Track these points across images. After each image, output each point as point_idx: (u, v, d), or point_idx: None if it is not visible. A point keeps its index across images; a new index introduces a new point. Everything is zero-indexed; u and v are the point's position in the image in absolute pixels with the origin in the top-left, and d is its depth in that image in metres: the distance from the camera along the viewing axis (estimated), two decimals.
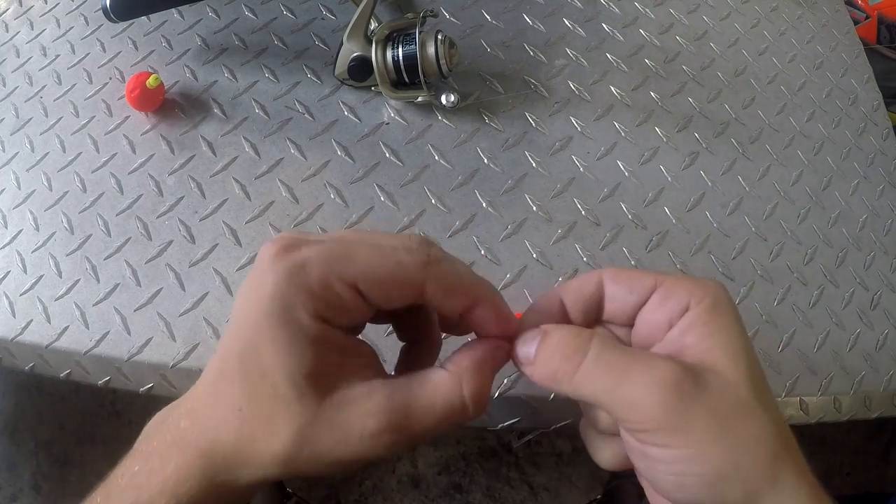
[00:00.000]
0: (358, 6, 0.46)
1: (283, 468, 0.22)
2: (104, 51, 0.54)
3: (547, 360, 0.23)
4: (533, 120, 0.51)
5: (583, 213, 0.47)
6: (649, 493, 0.25)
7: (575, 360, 0.23)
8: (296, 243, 0.22)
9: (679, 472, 0.22)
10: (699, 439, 0.21)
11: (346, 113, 0.50)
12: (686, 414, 0.21)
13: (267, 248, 0.22)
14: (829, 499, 0.23)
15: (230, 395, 0.23)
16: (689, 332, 0.24)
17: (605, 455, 0.27)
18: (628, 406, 0.22)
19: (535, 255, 0.45)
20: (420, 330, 0.28)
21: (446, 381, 0.23)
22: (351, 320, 0.23)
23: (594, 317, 0.27)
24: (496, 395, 0.40)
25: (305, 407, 0.22)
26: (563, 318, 0.27)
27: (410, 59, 0.46)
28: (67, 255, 0.44)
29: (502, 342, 0.25)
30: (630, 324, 0.26)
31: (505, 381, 0.40)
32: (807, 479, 0.22)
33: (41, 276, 0.44)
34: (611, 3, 0.59)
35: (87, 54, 0.54)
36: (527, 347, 0.24)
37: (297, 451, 0.22)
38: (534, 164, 0.49)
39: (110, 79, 0.52)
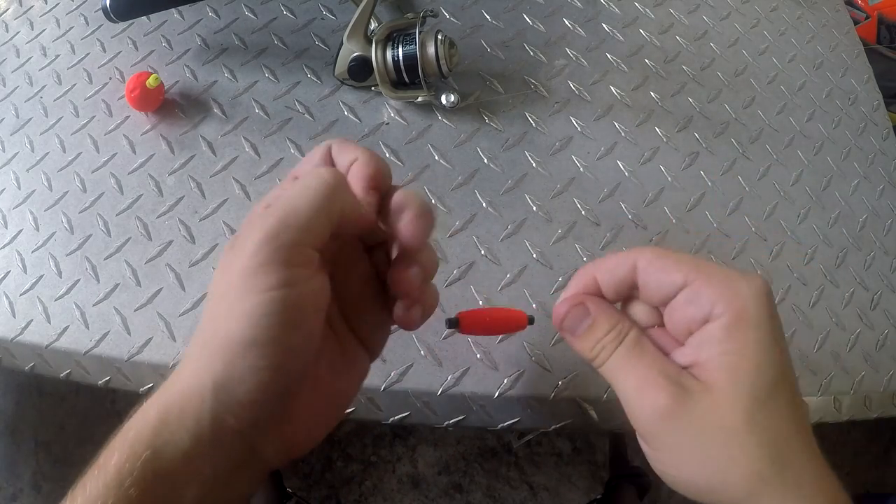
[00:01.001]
0: (358, 6, 0.46)
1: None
2: (104, 51, 0.54)
3: (589, 344, 0.27)
4: (533, 120, 0.51)
5: (583, 213, 0.47)
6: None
7: (606, 353, 0.27)
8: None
9: (661, 471, 0.26)
10: (678, 455, 0.25)
11: (346, 113, 0.50)
12: (667, 433, 0.25)
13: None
14: None
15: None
16: (703, 347, 0.25)
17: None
18: (629, 409, 0.26)
19: (535, 255, 0.45)
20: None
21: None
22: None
23: (626, 294, 0.28)
24: (496, 395, 0.40)
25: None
26: (597, 294, 0.29)
27: (410, 59, 0.46)
28: (67, 255, 0.44)
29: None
30: (661, 305, 0.27)
31: (505, 382, 0.40)
32: (799, 492, 0.23)
33: (41, 276, 0.44)
34: (611, 3, 0.59)
35: (87, 54, 0.54)
36: (574, 322, 0.28)
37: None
38: (534, 164, 0.49)
39: (110, 79, 0.52)
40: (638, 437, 0.27)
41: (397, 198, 0.26)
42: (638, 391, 0.25)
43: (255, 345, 0.22)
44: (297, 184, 0.24)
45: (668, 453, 0.25)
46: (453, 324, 0.35)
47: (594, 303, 0.28)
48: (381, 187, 0.27)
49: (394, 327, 0.29)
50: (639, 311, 0.28)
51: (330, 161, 0.28)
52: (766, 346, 0.24)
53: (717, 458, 0.24)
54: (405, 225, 0.26)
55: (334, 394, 0.27)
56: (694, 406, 0.24)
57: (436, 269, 0.28)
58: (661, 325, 0.28)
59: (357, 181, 0.26)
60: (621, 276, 0.27)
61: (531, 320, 0.36)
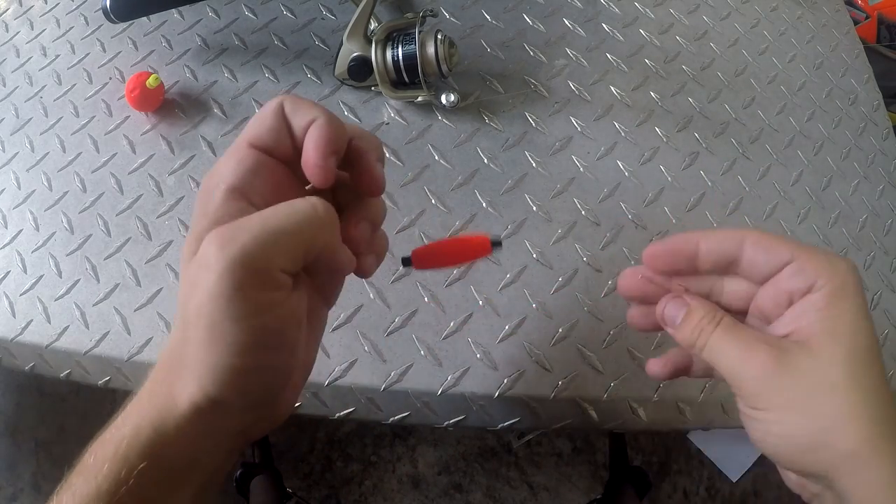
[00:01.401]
0: (358, 6, 0.46)
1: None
2: (104, 51, 0.54)
3: (688, 330, 0.29)
4: (533, 120, 0.51)
5: (583, 213, 0.47)
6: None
7: (705, 335, 0.29)
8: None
9: (764, 432, 0.27)
10: (784, 412, 0.26)
11: (346, 113, 0.50)
12: (767, 387, 0.26)
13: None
14: None
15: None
16: (804, 315, 0.27)
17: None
18: (733, 377, 0.27)
19: (535, 255, 0.45)
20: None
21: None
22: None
23: (722, 268, 0.30)
24: (496, 395, 0.40)
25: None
26: (691, 261, 0.30)
27: (410, 59, 0.46)
28: (67, 255, 0.44)
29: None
30: (760, 283, 0.29)
31: (505, 382, 0.40)
32: None
33: (41, 276, 0.44)
34: (611, 3, 0.59)
35: (87, 54, 0.54)
36: (673, 312, 0.30)
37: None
38: (534, 164, 0.49)
39: (110, 79, 0.52)
40: (742, 406, 0.28)
41: (355, 148, 0.27)
42: (741, 359, 0.27)
43: (242, 373, 0.22)
44: (283, 207, 0.24)
45: (773, 413, 0.26)
46: (406, 262, 0.31)
47: (691, 296, 0.30)
48: (340, 150, 0.27)
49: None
50: (731, 287, 0.31)
51: (284, 121, 0.26)
52: (862, 316, 0.26)
53: (823, 414, 0.25)
54: (369, 175, 0.27)
55: (308, 361, 0.28)
56: (797, 364, 0.26)
57: (384, 216, 0.29)
58: (745, 309, 0.30)
59: (317, 148, 0.26)
60: (728, 249, 0.29)
61: (496, 244, 0.31)
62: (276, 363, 0.24)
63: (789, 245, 0.28)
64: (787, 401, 0.26)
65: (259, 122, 0.26)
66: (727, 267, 0.30)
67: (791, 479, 0.31)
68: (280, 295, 0.23)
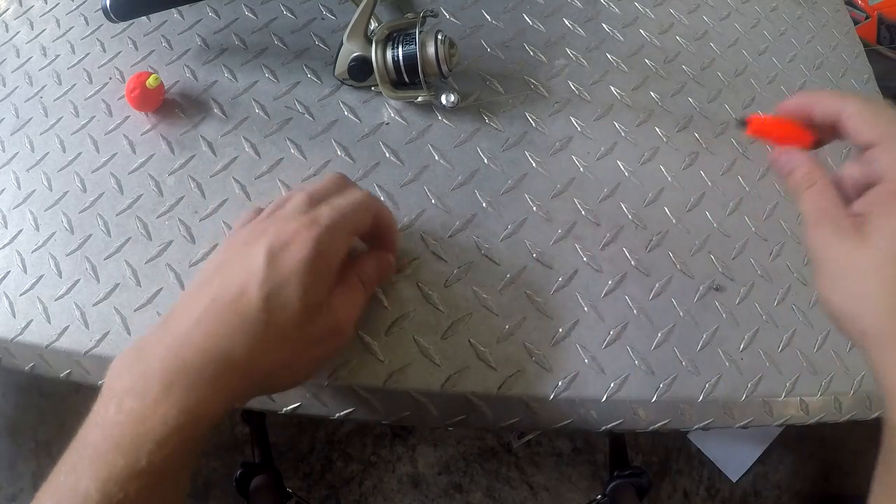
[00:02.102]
0: (358, 6, 0.46)
1: (285, 370, 0.33)
2: (104, 51, 0.54)
3: (792, 183, 0.33)
4: (533, 120, 0.51)
5: (583, 213, 0.47)
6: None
7: (801, 189, 0.32)
8: (311, 216, 0.34)
9: (822, 297, 0.30)
10: (835, 279, 0.29)
11: (346, 113, 0.50)
12: (831, 259, 0.29)
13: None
14: None
15: (249, 326, 0.31)
16: (871, 204, 0.29)
17: None
18: (809, 234, 0.31)
19: (535, 255, 0.45)
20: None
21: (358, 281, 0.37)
22: (346, 256, 0.35)
23: (833, 130, 0.33)
24: (496, 395, 0.40)
25: (310, 321, 0.32)
26: (810, 117, 0.34)
27: (410, 59, 0.46)
28: (67, 255, 0.44)
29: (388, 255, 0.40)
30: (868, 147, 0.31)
31: (505, 381, 0.40)
32: None
33: (41, 276, 0.44)
34: (611, 3, 0.59)
35: (87, 54, 0.54)
36: (783, 164, 0.34)
37: (298, 354, 0.33)
38: (534, 164, 0.49)
39: (110, 79, 0.52)
40: (814, 265, 0.31)
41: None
42: (816, 222, 0.30)
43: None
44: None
45: (828, 278, 0.29)
46: (741, 124, 0.38)
47: (799, 153, 0.34)
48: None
49: None
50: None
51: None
52: None
53: (862, 292, 0.28)
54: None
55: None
56: (853, 244, 0.29)
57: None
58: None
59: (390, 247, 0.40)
60: (832, 113, 0.32)
61: (816, 143, 0.37)
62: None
63: (876, 129, 0.30)
64: (839, 269, 0.29)
65: (363, 218, 0.36)
66: (834, 129, 0.33)
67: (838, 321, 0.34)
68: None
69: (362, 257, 0.38)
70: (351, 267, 0.36)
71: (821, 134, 0.35)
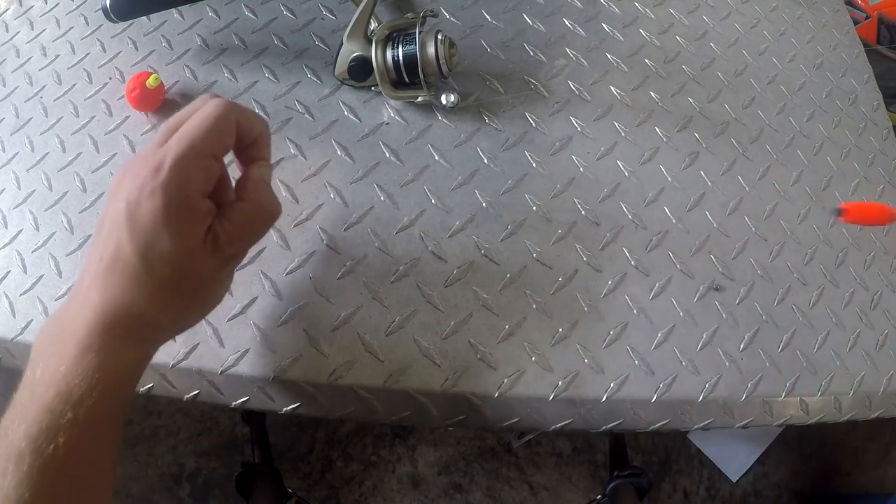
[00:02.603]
0: (358, 6, 0.46)
1: (183, 313, 0.33)
2: (104, 51, 0.54)
3: None
4: (533, 120, 0.51)
5: (583, 213, 0.47)
6: None
7: None
8: (157, 156, 0.31)
9: None
10: None
11: (346, 113, 0.50)
12: None
13: (138, 164, 0.31)
14: None
15: (135, 283, 0.31)
16: None
17: None
18: None
19: (534, 255, 0.45)
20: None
21: (250, 204, 0.34)
22: (213, 182, 0.32)
23: None
24: (496, 395, 0.40)
25: (194, 263, 0.31)
26: None
27: (410, 59, 0.46)
28: (67, 255, 0.44)
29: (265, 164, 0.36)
30: None
31: (505, 381, 0.40)
32: None
33: (41, 276, 0.44)
34: (611, 3, 0.59)
35: (87, 54, 0.54)
36: None
37: (193, 295, 0.33)
38: (534, 164, 0.49)
39: (110, 79, 0.52)
40: None
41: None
42: None
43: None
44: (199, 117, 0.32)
45: None
46: (837, 212, 0.41)
47: None
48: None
49: None
50: None
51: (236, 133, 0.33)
52: None
53: None
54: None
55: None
56: None
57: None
58: None
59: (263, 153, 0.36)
60: None
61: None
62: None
63: None
64: None
65: (219, 137, 0.32)
66: None
67: None
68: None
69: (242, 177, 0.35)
70: (227, 184, 0.35)
71: None
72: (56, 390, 0.28)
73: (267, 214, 0.34)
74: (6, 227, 0.46)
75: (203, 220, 0.31)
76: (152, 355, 0.33)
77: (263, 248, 0.44)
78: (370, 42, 0.47)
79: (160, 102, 0.50)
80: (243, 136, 0.34)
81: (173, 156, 0.30)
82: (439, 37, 0.46)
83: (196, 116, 0.32)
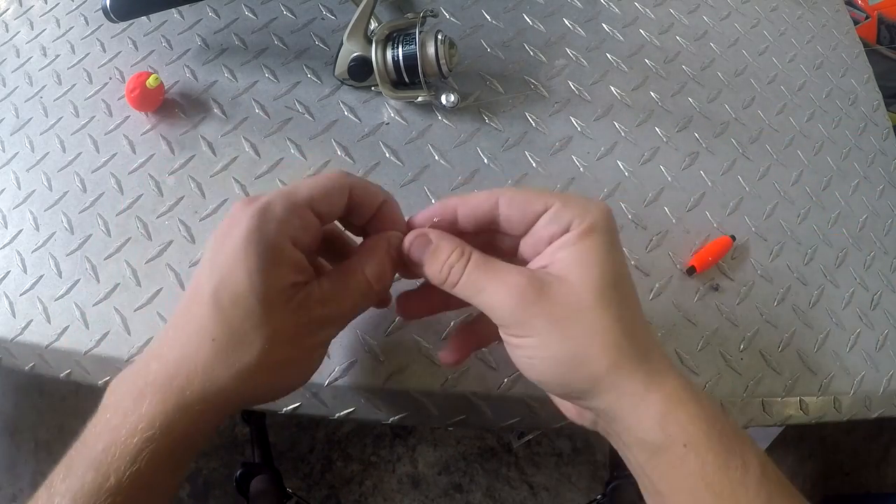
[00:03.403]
0: (358, 6, 0.46)
1: (254, 377, 0.28)
2: (104, 51, 0.54)
3: (437, 267, 0.30)
4: (533, 120, 0.51)
5: None
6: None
7: (457, 272, 0.29)
8: (255, 197, 0.29)
9: (529, 357, 0.28)
10: (539, 334, 0.27)
11: (346, 113, 0.50)
12: (528, 313, 0.27)
13: (236, 204, 0.29)
14: (675, 381, 0.27)
15: (203, 328, 0.27)
16: (561, 249, 0.29)
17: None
18: (489, 307, 0.29)
19: None
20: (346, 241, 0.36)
21: (354, 268, 0.31)
22: (309, 236, 0.29)
23: (486, 228, 0.31)
24: (496, 395, 0.40)
25: (272, 317, 0.27)
26: (453, 226, 0.31)
27: (410, 59, 0.46)
28: (67, 255, 0.44)
29: (393, 233, 0.32)
30: (520, 236, 0.31)
31: (505, 381, 0.40)
32: (650, 366, 0.27)
33: (41, 276, 0.44)
34: (611, 3, 0.59)
35: (87, 54, 0.54)
36: (418, 250, 0.31)
37: (266, 357, 0.27)
38: (534, 164, 0.49)
39: (110, 79, 0.52)
40: (505, 336, 0.29)
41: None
42: (496, 290, 0.28)
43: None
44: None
45: (535, 337, 0.28)
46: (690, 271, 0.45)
47: (433, 232, 0.31)
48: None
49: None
50: (500, 243, 0.32)
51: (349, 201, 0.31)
52: (610, 248, 0.29)
53: (579, 334, 0.27)
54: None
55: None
56: (551, 293, 0.27)
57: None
58: (514, 255, 0.32)
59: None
60: (482, 212, 0.30)
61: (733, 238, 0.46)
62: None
63: (542, 196, 0.29)
64: (546, 324, 0.27)
65: (324, 193, 0.30)
66: (488, 227, 0.31)
67: (570, 411, 0.34)
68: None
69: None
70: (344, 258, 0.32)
71: (473, 231, 0.31)
72: (105, 446, 0.26)
73: (362, 283, 0.30)
74: (6, 227, 0.46)
75: (287, 266, 0.28)
76: (215, 422, 0.29)
77: None
78: (370, 42, 0.47)
79: (160, 102, 0.50)
80: (360, 202, 0.31)
81: (269, 196, 0.28)
82: (439, 37, 0.46)
83: (306, 178, 0.30)
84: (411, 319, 0.39)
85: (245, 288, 0.26)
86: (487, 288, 0.28)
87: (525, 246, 0.31)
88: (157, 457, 0.26)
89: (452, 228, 0.31)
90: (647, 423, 0.26)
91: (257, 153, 0.48)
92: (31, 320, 0.42)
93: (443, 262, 0.29)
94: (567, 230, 0.29)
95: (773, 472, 0.26)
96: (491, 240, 0.32)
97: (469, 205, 0.31)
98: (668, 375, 0.27)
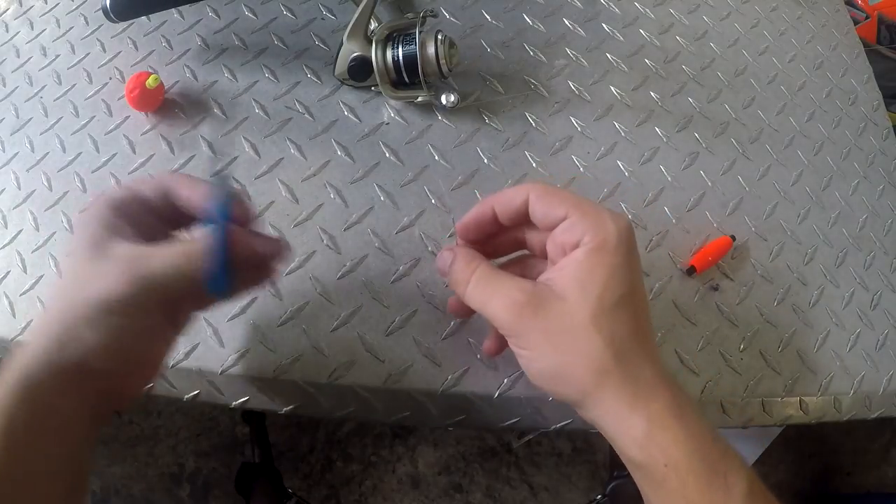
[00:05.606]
0: (358, 6, 0.46)
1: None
2: (104, 51, 0.54)
3: (454, 277, 0.33)
4: (533, 120, 0.51)
5: None
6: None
7: (465, 282, 0.32)
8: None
9: (526, 365, 0.31)
10: (534, 347, 0.30)
11: (346, 113, 0.50)
12: (524, 327, 0.30)
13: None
14: (662, 402, 0.28)
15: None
16: (569, 263, 0.30)
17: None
18: (491, 318, 0.31)
19: None
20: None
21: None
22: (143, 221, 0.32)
23: (523, 221, 0.33)
24: (496, 395, 0.40)
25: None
26: (494, 222, 0.34)
27: (410, 59, 0.46)
28: (67, 256, 0.44)
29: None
30: (548, 231, 0.32)
31: (505, 381, 0.40)
32: (636, 387, 0.28)
33: (41, 276, 0.44)
34: (611, 3, 0.59)
35: (87, 54, 0.54)
36: (442, 262, 0.34)
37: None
38: (534, 164, 0.49)
39: (110, 79, 0.52)
40: (511, 343, 0.31)
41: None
42: (498, 300, 0.30)
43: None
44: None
45: (529, 349, 0.30)
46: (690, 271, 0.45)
47: (459, 248, 0.34)
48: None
49: None
50: (533, 236, 0.34)
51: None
52: (619, 267, 0.29)
53: (568, 351, 0.29)
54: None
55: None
56: (548, 309, 0.29)
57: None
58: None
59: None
60: (517, 205, 0.32)
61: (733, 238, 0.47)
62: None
63: (566, 201, 0.31)
64: (540, 338, 0.29)
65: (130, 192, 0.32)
66: (524, 220, 0.33)
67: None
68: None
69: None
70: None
71: (513, 225, 0.34)
72: None
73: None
74: (6, 227, 0.46)
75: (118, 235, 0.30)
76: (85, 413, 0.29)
77: None
78: (370, 42, 0.47)
79: (160, 102, 0.50)
80: (170, 193, 0.32)
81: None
82: (439, 37, 0.46)
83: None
84: (459, 318, 0.42)
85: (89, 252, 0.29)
86: (490, 300, 0.31)
87: (549, 245, 0.33)
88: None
89: (493, 225, 0.34)
90: (628, 442, 0.28)
91: (257, 153, 0.48)
92: (31, 320, 0.42)
93: (458, 272, 0.32)
94: (578, 244, 0.30)
95: (761, 492, 0.27)
96: (526, 234, 0.35)
97: (503, 200, 0.33)
98: (655, 396, 0.29)
